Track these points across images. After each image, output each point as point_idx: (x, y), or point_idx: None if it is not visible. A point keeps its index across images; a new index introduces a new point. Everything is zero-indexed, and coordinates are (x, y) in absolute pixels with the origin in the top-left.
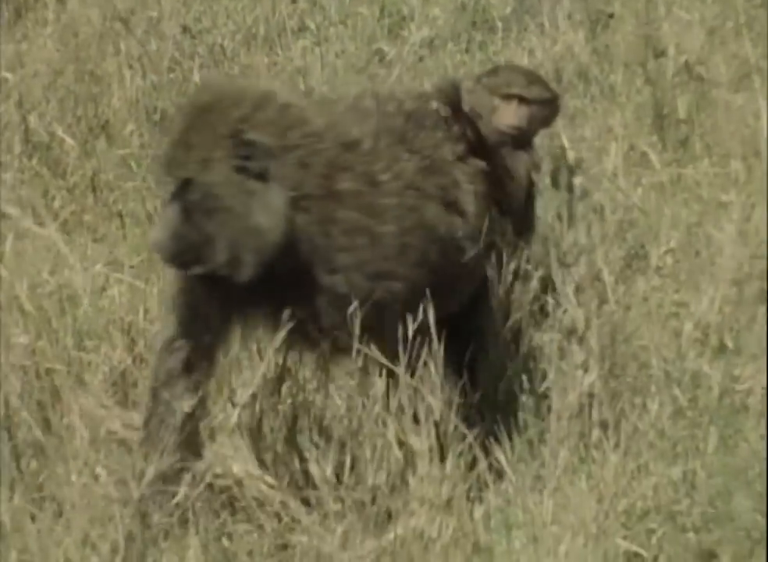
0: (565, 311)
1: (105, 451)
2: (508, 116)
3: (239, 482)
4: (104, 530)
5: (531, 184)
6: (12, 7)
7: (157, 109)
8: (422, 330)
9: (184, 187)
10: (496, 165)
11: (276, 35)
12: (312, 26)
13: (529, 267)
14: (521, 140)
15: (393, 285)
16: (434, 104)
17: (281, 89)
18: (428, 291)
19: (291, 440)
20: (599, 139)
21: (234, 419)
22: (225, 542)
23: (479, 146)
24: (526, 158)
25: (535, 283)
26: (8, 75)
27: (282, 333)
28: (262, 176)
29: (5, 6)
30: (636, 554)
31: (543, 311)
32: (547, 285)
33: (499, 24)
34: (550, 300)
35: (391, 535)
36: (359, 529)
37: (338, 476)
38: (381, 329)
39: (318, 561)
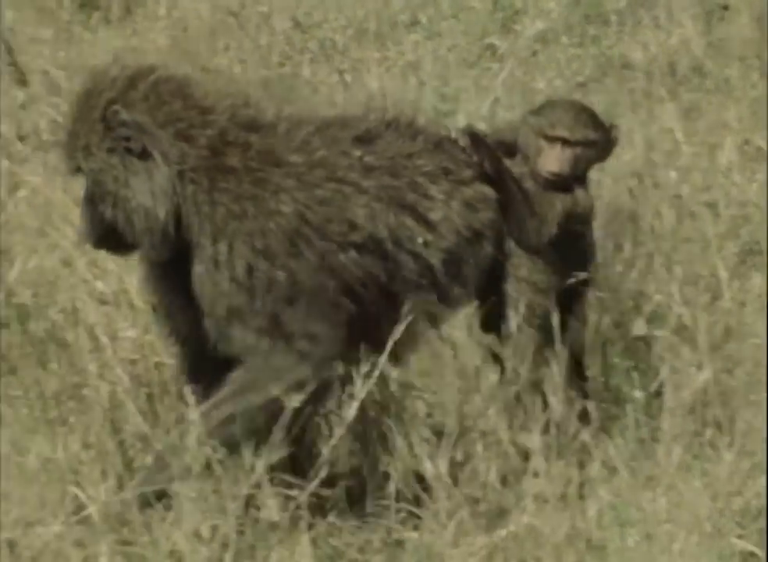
0: (670, 308)
1: (215, 445)
2: (550, 161)
3: (349, 477)
4: (214, 524)
5: (574, 221)
6: (122, 2)
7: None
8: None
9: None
10: (517, 201)
11: (388, 29)
12: (424, 20)
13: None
14: (563, 184)
15: (275, 271)
16: (453, 132)
17: (163, 65)
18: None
19: (403, 435)
20: (713, 133)
21: (353, 413)
22: (335, 537)
23: (497, 180)
24: (565, 199)
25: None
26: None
27: (401, 326)
28: (144, 155)
29: (114, 2)
30: (752, 554)
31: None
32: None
33: (614, 18)
34: (657, 297)
35: (503, 532)
36: (471, 525)
37: (450, 472)
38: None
39: (429, 557)
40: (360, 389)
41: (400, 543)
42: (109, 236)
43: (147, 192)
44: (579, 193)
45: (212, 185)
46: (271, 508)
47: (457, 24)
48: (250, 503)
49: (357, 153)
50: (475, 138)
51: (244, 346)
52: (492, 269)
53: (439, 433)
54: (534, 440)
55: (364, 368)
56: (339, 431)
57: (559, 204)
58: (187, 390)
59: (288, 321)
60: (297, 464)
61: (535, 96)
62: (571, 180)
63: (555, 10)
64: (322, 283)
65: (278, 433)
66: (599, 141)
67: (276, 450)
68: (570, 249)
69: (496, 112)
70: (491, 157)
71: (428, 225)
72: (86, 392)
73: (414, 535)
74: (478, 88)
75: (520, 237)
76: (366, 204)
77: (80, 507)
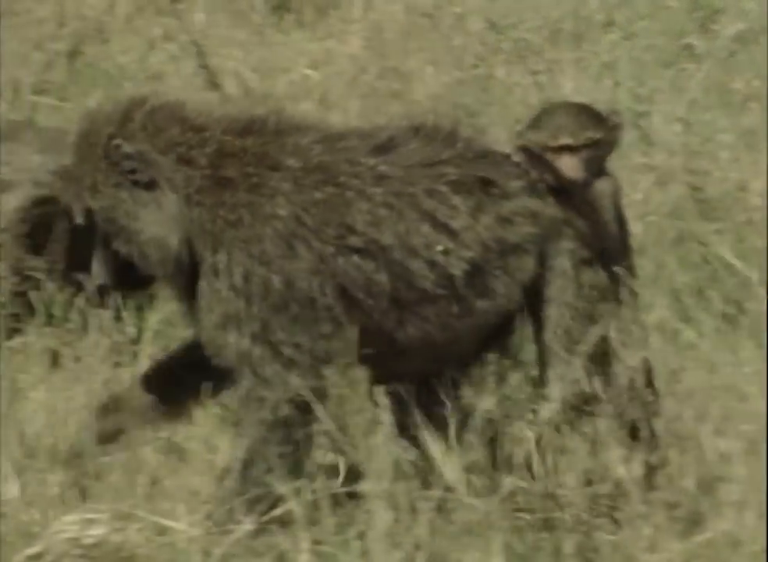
0: None
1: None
2: (567, 171)
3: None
4: (407, 525)
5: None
6: (316, 5)
7: (460, 105)
8: None
9: (90, 217)
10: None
11: (583, 29)
12: (620, 19)
13: None
14: (589, 181)
15: (271, 276)
16: (509, 150)
17: (154, 93)
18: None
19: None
20: None
21: (548, 415)
22: (527, 540)
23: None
24: (604, 188)
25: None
26: (311, 72)
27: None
28: (150, 185)
29: (308, 4)
30: None
31: None
32: None
33: None
34: None
35: (700, 538)
36: (667, 531)
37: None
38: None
39: None
40: (557, 391)
41: (594, 547)
42: (126, 274)
43: (159, 222)
44: (606, 184)
45: (213, 200)
46: (463, 510)
47: (654, 24)
48: (442, 505)
49: (371, 162)
50: (531, 153)
51: (237, 353)
52: (532, 287)
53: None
54: (732, 445)
55: (558, 370)
56: (531, 434)
57: (601, 196)
58: (378, 391)
59: (277, 328)
60: (490, 466)
61: (732, 97)
62: (592, 179)
63: (755, 10)
64: (317, 287)
65: (470, 435)
66: (603, 136)
67: (468, 452)
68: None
69: (693, 113)
70: (551, 171)
71: (449, 233)
72: None
73: (610, 538)
74: (674, 89)
75: (605, 247)
76: (368, 210)
77: (272, 505)
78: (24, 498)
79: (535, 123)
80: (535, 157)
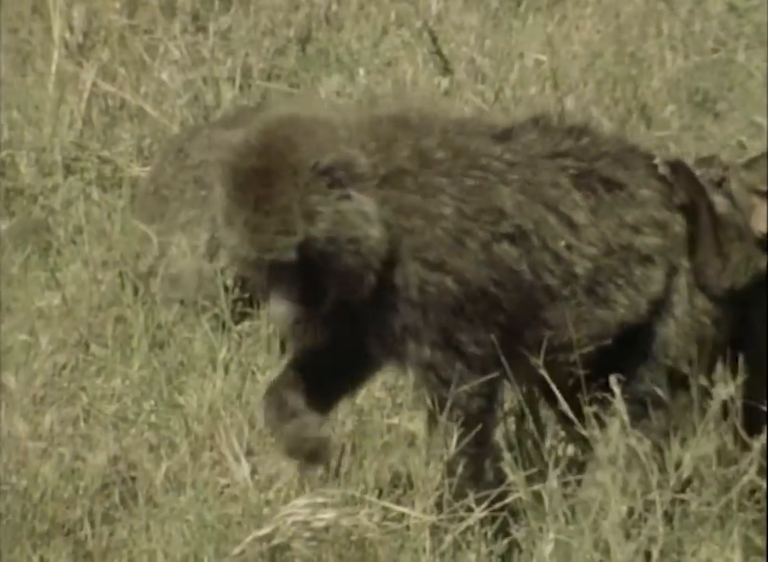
0: None
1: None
2: (762, 220)
3: None
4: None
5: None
6: None
7: (699, 90)
8: None
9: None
10: (706, 237)
11: None
12: None
13: None
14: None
15: (445, 278)
16: (657, 159)
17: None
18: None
19: None
20: None
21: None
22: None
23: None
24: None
25: None
26: (543, 57)
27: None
28: (350, 186)
29: None
30: None
31: None
32: None
33: None
34: None
35: None
36: None
37: None
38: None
39: None
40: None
41: None
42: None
43: (369, 223)
44: None
45: (390, 205)
46: (699, 501)
47: None
48: (677, 496)
49: (497, 149)
50: (681, 168)
51: (418, 361)
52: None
53: None
54: None
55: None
56: None
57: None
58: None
59: (457, 330)
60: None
61: None
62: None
63: None
64: (486, 278)
65: (707, 425)
66: None
67: (704, 443)
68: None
69: None
70: (695, 189)
71: (572, 226)
72: None
73: None
74: None
75: (699, 274)
76: (510, 194)
77: (504, 494)
78: (254, 480)
79: (751, 164)
80: (684, 173)
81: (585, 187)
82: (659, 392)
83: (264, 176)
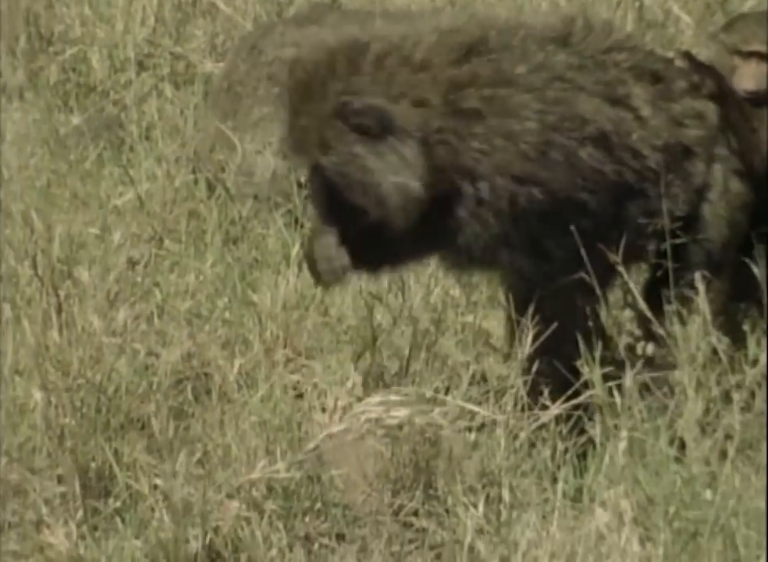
0: None
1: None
2: (746, 79)
3: None
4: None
5: None
6: None
7: None
8: None
9: (317, 170)
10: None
11: None
12: None
13: None
14: (763, 100)
15: (534, 189)
16: (672, 55)
17: (365, 37)
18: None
19: None
20: None
21: None
22: None
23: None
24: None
25: None
26: None
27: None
28: (384, 134)
29: None
30: None
31: None
32: None
33: None
34: None
35: None
36: None
37: None
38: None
39: None
40: None
41: None
42: (358, 246)
43: (397, 170)
44: None
45: (460, 137)
46: None
47: None
48: (755, 393)
49: (563, 55)
50: (693, 59)
51: (510, 266)
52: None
53: None
54: None
55: None
56: None
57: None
58: (697, 277)
59: (545, 236)
60: None
61: None
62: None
63: None
64: (572, 185)
65: None
66: None
67: None
68: None
69: None
70: (712, 76)
71: (641, 120)
72: None
73: None
74: None
75: (744, 159)
76: (587, 99)
77: (578, 391)
78: (326, 379)
79: (730, 25)
80: (698, 63)
81: (640, 79)
82: (706, 274)
83: (302, 92)
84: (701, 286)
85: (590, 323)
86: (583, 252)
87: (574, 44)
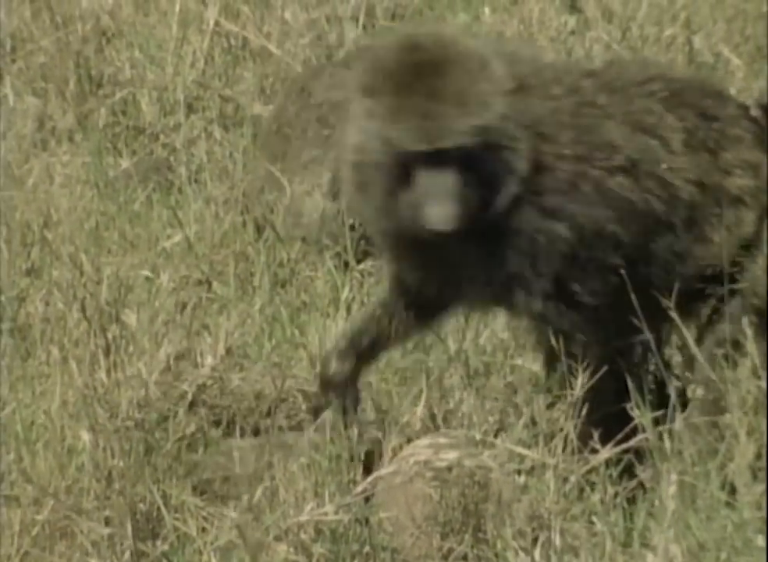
0: None
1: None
2: None
3: None
4: None
5: None
6: None
7: None
8: None
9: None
10: None
11: None
12: None
13: None
14: None
15: (557, 216)
16: (750, 100)
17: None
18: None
19: None
20: None
21: None
22: None
23: None
24: None
25: None
26: None
27: None
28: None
29: None
30: None
31: None
32: None
33: None
34: None
35: None
36: None
37: None
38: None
39: None
40: None
41: None
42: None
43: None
44: None
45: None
46: None
47: None
48: None
49: (590, 82)
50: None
51: (528, 312)
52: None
53: None
54: None
55: None
56: None
57: None
58: (744, 322)
59: (570, 279)
60: None
61: None
62: None
63: None
64: (601, 217)
65: None
66: None
67: None
68: None
69: None
70: None
71: (670, 150)
72: None
73: None
74: None
75: None
76: (616, 126)
77: (629, 435)
78: (378, 420)
79: None
80: None
81: (676, 109)
82: (749, 331)
83: (435, 66)
84: (749, 330)
85: (639, 366)
86: (632, 294)
87: (603, 76)
